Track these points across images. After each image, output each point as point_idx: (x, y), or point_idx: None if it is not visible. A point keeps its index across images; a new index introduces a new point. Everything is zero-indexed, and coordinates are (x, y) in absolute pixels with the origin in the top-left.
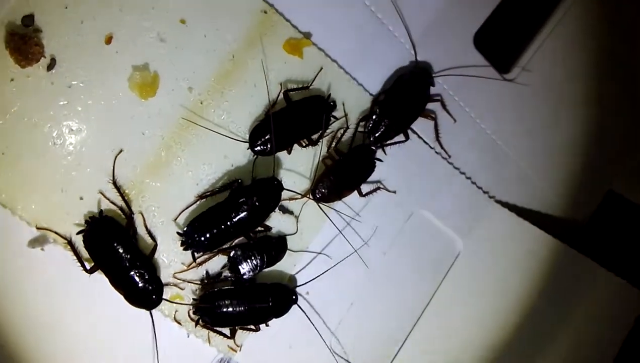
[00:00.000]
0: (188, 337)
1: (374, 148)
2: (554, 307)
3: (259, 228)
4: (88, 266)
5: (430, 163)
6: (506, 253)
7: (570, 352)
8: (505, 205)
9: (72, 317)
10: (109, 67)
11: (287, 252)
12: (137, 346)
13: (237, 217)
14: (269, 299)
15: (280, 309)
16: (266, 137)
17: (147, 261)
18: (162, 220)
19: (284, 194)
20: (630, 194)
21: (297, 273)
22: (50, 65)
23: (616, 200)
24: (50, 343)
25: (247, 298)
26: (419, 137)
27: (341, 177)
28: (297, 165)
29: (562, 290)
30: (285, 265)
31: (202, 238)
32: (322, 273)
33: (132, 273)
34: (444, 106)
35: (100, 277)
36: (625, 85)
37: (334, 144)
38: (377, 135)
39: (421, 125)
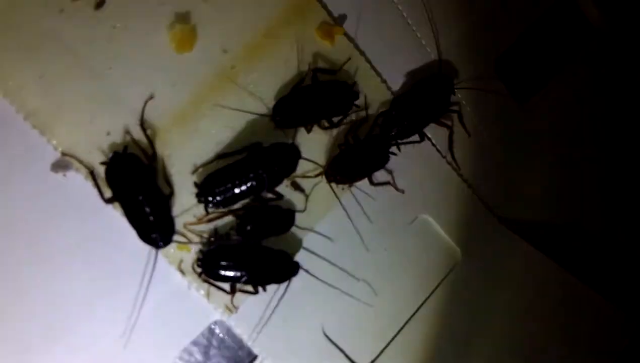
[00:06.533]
0: (189, 289)
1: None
2: (546, 327)
3: (271, 195)
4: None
5: (440, 171)
6: (503, 270)
7: None
8: (507, 225)
9: (82, 245)
10: (152, 16)
11: (293, 228)
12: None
13: (253, 176)
14: (271, 260)
15: (281, 275)
16: (289, 111)
17: (163, 201)
18: (179, 171)
19: (297, 171)
20: None
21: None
22: (99, 4)
23: None
24: (50, 266)
25: (251, 256)
26: (433, 144)
27: (355, 161)
28: (314, 149)
29: (555, 311)
30: (289, 240)
31: (217, 192)
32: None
33: (147, 210)
34: (460, 119)
35: (111, 213)
36: None
37: (351, 132)
38: (392, 131)
39: (436, 134)
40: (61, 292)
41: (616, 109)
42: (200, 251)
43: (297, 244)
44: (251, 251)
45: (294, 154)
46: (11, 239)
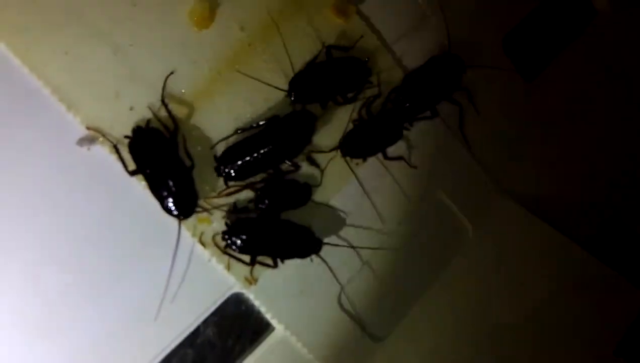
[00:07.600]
0: (209, 261)
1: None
2: (556, 302)
3: (289, 166)
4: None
5: (451, 147)
6: (512, 243)
7: (570, 345)
8: (516, 199)
9: (106, 217)
10: None
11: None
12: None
13: (271, 147)
14: (294, 236)
15: (303, 251)
16: (305, 87)
17: (185, 174)
18: (199, 147)
19: (313, 146)
20: None
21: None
22: None
23: None
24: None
25: (274, 231)
26: (444, 121)
27: (368, 136)
28: (329, 125)
29: (566, 286)
30: (305, 213)
31: (236, 165)
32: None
33: (170, 182)
34: (470, 98)
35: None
36: None
37: (365, 108)
38: (405, 107)
39: (447, 111)
40: (87, 264)
41: (621, 86)
42: (226, 224)
43: (313, 217)
44: (274, 226)
45: (309, 119)
46: (37, 211)
